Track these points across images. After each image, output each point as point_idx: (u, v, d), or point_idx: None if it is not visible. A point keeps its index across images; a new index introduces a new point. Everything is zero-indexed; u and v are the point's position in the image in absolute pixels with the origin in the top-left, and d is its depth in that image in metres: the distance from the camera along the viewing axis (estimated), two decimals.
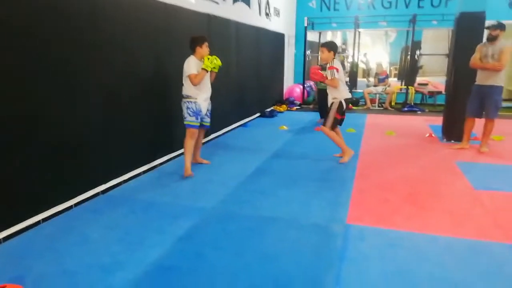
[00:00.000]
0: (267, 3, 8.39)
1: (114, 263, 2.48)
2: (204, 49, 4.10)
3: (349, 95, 4.63)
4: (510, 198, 3.56)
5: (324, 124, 4.59)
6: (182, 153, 4.96)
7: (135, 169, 4.12)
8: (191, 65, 4.03)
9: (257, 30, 7.65)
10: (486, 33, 5.10)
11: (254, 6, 7.61)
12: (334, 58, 4.48)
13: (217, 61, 4.16)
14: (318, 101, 7.95)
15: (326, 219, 3.12)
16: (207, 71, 4.07)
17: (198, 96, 4.14)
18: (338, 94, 4.49)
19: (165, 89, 4.55)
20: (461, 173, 4.26)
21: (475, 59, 5.03)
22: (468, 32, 5.50)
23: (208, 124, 4.40)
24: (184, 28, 4.83)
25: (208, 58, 4.06)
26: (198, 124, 4.22)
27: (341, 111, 4.54)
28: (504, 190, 3.74)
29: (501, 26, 4.88)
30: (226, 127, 6.49)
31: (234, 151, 5.35)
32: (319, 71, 4.59)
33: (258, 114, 8.12)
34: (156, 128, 4.47)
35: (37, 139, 2.91)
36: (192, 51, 4.10)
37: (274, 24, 8.90)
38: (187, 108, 4.14)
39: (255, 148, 5.42)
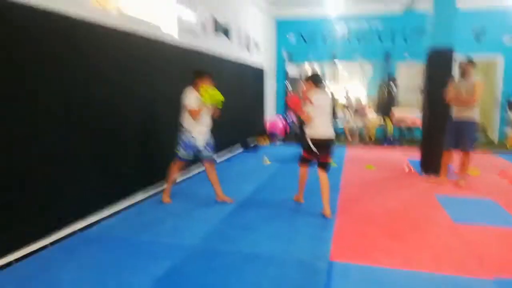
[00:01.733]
0: (247, 37, 8.61)
1: None
2: (205, 81, 4.15)
3: (321, 135, 3.93)
4: (489, 231, 3.62)
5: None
6: (163, 190, 4.90)
7: (114, 205, 4.02)
8: (192, 98, 4.08)
9: (238, 63, 7.79)
10: (457, 68, 5.34)
11: (235, 40, 7.79)
12: (318, 89, 3.99)
13: (217, 96, 4.11)
14: (300, 133, 8.06)
15: (309, 255, 3.09)
16: (207, 106, 4.10)
17: (193, 129, 4.18)
18: (308, 130, 4.01)
19: (145, 123, 4.54)
20: (440, 206, 4.33)
21: (450, 94, 5.22)
22: (438, 67, 5.74)
23: (211, 157, 4.36)
24: (164, 61, 4.89)
25: (207, 91, 4.05)
26: (188, 158, 4.27)
27: (309, 149, 4.01)
28: (483, 223, 3.80)
29: (472, 63, 5.13)
30: None
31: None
32: (298, 98, 4.17)
33: (241, 149, 8.13)
34: (136, 163, 4.41)
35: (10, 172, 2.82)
36: (193, 84, 4.15)
37: (254, 57, 9.10)
38: (181, 139, 4.23)
39: (239, 182, 5.39)
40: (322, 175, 4.01)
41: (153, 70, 4.66)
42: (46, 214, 3.18)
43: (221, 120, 6.77)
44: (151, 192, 4.68)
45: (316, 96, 3.93)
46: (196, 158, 4.39)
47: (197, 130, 4.20)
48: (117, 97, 4.04)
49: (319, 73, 4.32)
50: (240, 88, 8.00)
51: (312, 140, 3.95)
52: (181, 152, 4.22)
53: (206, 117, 4.25)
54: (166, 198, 4.40)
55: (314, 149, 3.93)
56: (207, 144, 4.31)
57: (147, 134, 4.55)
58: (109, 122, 3.90)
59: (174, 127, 5.18)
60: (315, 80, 4.04)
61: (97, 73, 3.68)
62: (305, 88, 4.06)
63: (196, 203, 4.43)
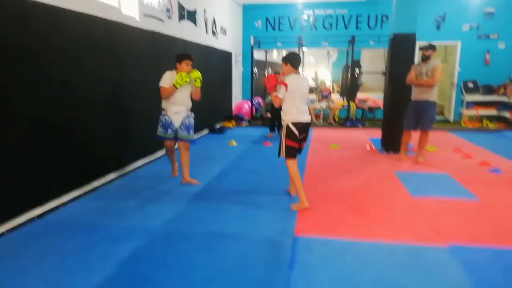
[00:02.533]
0: (214, 21, 8.48)
1: None
2: (184, 66, 4.17)
3: (300, 118, 3.67)
4: (444, 203, 3.82)
5: (279, 154, 3.81)
6: (127, 172, 4.81)
7: (75, 190, 3.90)
8: (164, 78, 4.22)
9: (204, 48, 7.68)
10: (419, 53, 5.52)
11: (201, 25, 7.65)
12: (295, 73, 3.71)
13: (192, 74, 4.18)
14: (271, 115, 8.10)
15: (275, 232, 3.15)
16: (176, 87, 4.12)
17: (168, 109, 4.28)
18: (285, 115, 3.72)
19: (107, 107, 4.40)
20: (400, 182, 4.51)
21: (411, 76, 5.41)
22: (401, 52, 5.92)
23: (186, 137, 4.37)
24: (127, 45, 4.74)
25: (180, 75, 4.11)
26: (168, 136, 4.37)
27: (292, 137, 3.69)
28: (438, 197, 4.01)
29: (433, 47, 5.32)
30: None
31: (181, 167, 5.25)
32: (277, 79, 3.82)
33: (207, 131, 8.08)
34: (99, 147, 4.28)
35: None
36: (175, 67, 4.23)
37: (221, 42, 9.00)
38: (159, 120, 4.36)
39: (205, 164, 5.37)
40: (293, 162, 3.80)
41: (116, 54, 4.49)
42: (1, 201, 3.03)
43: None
44: (113, 176, 4.57)
45: (291, 79, 3.64)
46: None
47: (172, 110, 4.26)
48: (82, 81, 3.87)
49: (296, 53, 4.04)
50: (207, 71, 7.88)
51: (295, 124, 3.65)
52: (159, 130, 4.37)
53: (181, 98, 4.27)
54: (173, 172, 4.77)
55: (296, 132, 3.64)
56: (183, 124, 4.33)
57: (109, 118, 4.41)
58: (69, 107, 3.74)
59: (139, 111, 5.09)
60: (293, 62, 3.71)
61: (56, 56, 3.51)
62: (283, 71, 3.77)
63: (161, 186, 4.38)
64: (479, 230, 3.20)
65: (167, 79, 4.20)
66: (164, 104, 4.31)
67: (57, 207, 3.62)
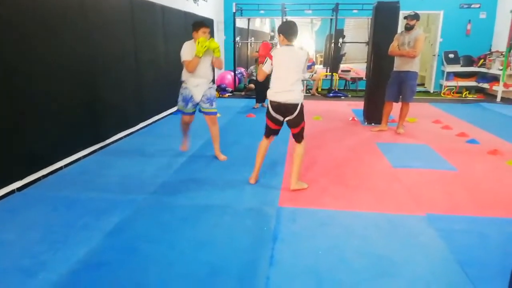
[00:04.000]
0: None
1: (35, 264, 2.29)
2: (200, 34, 3.92)
3: (277, 98, 3.26)
4: (423, 174, 3.92)
5: None
6: (107, 144, 4.72)
7: (55, 162, 3.81)
8: (185, 50, 3.96)
9: (184, 15, 7.43)
10: (403, 22, 5.48)
11: None
12: (287, 45, 3.30)
13: (209, 43, 3.89)
14: (255, 86, 8.01)
15: (260, 203, 3.18)
16: (199, 57, 3.88)
17: (188, 81, 4.06)
18: (268, 91, 3.36)
19: (87, 76, 4.25)
20: (381, 153, 4.59)
21: (393, 47, 5.39)
22: (384, 20, 5.86)
23: (210, 110, 4.16)
24: (104, 12, 4.53)
25: (199, 43, 3.86)
26: (188, 111, 4.18)
27: (269, 115, 3.38)
28: (418, 167, 4.11)
29: (417, 17, 5.28)
30: (156, 115, 6.27)
31: (165, 139, 5.19)
32: (269, 49, 3.49)
33: None
34: (79, 117, 4.16)
35: None
36: (192, 37, 3.99)
37: (202, 9, 8.71)
38: (180, 93, 4.15)
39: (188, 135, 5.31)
40: (296, 148, 3.46)
41: (91, 25, 4.28)
42: None
43: (167, 74, 6.60)
44: (94, 147, 4.48)
45: (278, 52, 3.30)
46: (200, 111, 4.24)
47: (193, 83, 4.04)
48: (48, 51, 3.66)
49: (292, 22, 3.42)
50: (187, 40, 7.66)
51: (270, 103, 3.33)
52: (179, 104, 4.19)
53: (203, 69, 4.03)
54: (183, 147, 4.57)
55: (274, 114, 3.32)
56: (205, 97, 4.10)
57: (87, 91, 4.27)
58: (49, 75, 3.59)
59: (119, 84, 4.94)
60: (285, 32, 3.28)
61: (29, 23, 3.32)
62: (279, 41, 3.39)
63: (144, 158, 4.34)
64: (456, 199, 3.31)
65: (188, 51, 3.93)
66: (184, 76, 4.07)
67: (37, 179, 3.54)
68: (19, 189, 3.33)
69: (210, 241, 2.59)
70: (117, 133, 4.99)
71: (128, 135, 5.26)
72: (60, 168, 3.87)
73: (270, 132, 3.50)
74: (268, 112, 3.39)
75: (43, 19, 3.54)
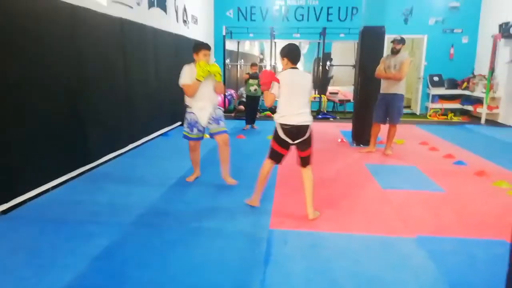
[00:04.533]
0: (184, 10, 8.31)
1: None
2: (201, 57, 3.81)
3: (289, 120, 3.18)
4: (412, 195, 3.96)
5: None
6: (95, 166, 4.67)
7: (43, 184, 3.75)
8: (185, 73, 3.85)
9: (175, 37, 7.52)
10: (389, 46, 5.64)
11: (171, 13, 7.48)
12: (292, 68, 3.27)
13: (210, 67, 3.76)
14: (246, 108, 8.06)
15: (251, 226, 3.16)
16: (200, 81, 3.77)
17: (193, 105, 3.93)
18: (276, 115, 3.28)
19: (75, 98, 4.23)
20: (370, 175, 4.64)
21: (379, 70, 5.53)
22: (370, 44, 6.03)
23: (219, 129, 3.96)
24: (94, 33, 4.56)
25: (200, 66, 3.75)
26: (193, 136, 4.03)
27: (277, 139, 3.29)
28: (407, 189, 4.15)
29: (403, 41, 5.45)
30: (145, 136, 6.24)
31: (155, 160, 5.17)
32: (272, 75, 3.29)
33: (179, 123, 7.95)
34: (68, 137, 4.11)
35: None
36: (194, 59, 3.89)
37: (192, 32, 8.83)
38: (185, 118, 4.05)
39: (177, 157, 5.29)
40: (305, 173, 3.37)
41: (81, 43, 4.30)
42: None
43: (157, 95, 6.62)
44: (83, 169, 4.42)
45: (285, 75, 3.24)
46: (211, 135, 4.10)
47: (197, 106, 3.91)
48: (35, 69, 3.64)
49: (294, 45, 3.46)
50: (177, 62, 7.74)
51: (282, 126, 3.23)
52: (184, 129, 4.05)
53: (206, 93, 3.90)
54: (190, 178, 4.30)
55: (284, 137, 3.24)
56: (213, 118, 3.96)
57: (79, 108, 4.25)
58: (30, 95, 3.57)
59: (109, 104, 4.93)
60: (289, 55, 3.26)
61: (16, 39, 3.33)
62: (282, 65, 3.33)
63: (134, 180, 4.30)
64: (445, 221, 3.35)
65: (188, 74, 3.81)
66: (187, 100, 3.95)
67: (23, 202, 3.47)
68: (4, 212, 3.26)
69: (201, 264, 2.55)
70: (106, 155, 4.94)
71: (117, 156, 5.22)
72: (47, 190, 3.80)
73: (275, 156, 3.38)
74: (276, 136, 3.29)
75: (34, 37, 3.55)
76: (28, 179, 3.56)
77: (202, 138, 4.13)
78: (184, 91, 3.91)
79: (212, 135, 4.02)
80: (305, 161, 3.36)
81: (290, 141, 3.26)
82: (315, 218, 3.31)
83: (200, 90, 3.85)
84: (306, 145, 3.29)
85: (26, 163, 3.50)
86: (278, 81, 3.20)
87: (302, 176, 3.39)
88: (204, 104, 3.92)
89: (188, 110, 4.01)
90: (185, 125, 4.06)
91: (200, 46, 3.87)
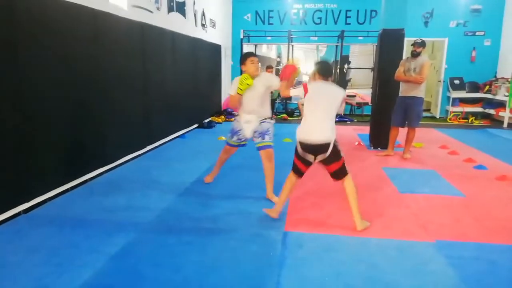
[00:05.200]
0: (203, 14, 8.40)
1: (38, 287, 2.27)
2: (249, 65, 3.67)
3: (306, 137, 3.06)
4: (431, 199, 3.88)
5: None
6: (113, 167, 4.75)
7: (63, 184, 3.84)
8: (233, 84, 3.77)
9: (193, 41, 7.61)
10: (409, 48, 5.57)
11: (190, 17, 7.58)
12: (323, 80, 3.16)
13: (250, 81, 3.61)
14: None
15: (266, 228, 3.15)
16: (239, 94, 3.67)
17: (241, 117, 3.83)
18: (297, 129, 3.16)
19: (95, 100, 4.32)
20: (387, 178, 4.57)
21: (399, 72, 5.45)
22: (389, 47, 5.95)
23: (263, 144, 3.71)
24: (115, 37, 4.66)
25: (241, 78, 3.64)
26: (231, 143, 3.98)
27: (297, 155, 3.18)
28: (425, 193, 4.07)
29: (423, 44, 5.36)
30: (162, 138, 6.33)
31: (172, 162, 5.22)
32: (295, 69, 3.33)
33: (196, 125, 8.03)
34: (87, 138, 4.20)
35: None
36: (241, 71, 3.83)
37: (210, 35, 8.92)
38: (232, 123, 4.02)
39: (194, 159, 5.34)
40: (344, 185, 3.22)
41: (103, 45, 4.39)
42: None
43: (176, 97, 6.70)
44: (102, 170, 4.51)
45: (314, 85, 3.12)
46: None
47: (244, 118, 3.80)
48: (61, 73, 3.75)
49: (327, 61, 3.51)
50: (196, 64, 7.83)
51: (300, 143, 3.12)
52: (228, 135, 4.02)
53: (252, 105, 3.73)
54: (207, 178, 4.29)
55: (303, 154, 3.13)
56: (257, 132, 3.75)
57: (99, 112, 4.34)
58: (55, 98, 3.67)
59: (126, 104, 5.02)
60: (321, 69, 3.17)
61: (39, 47, 3.43)
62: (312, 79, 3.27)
63: (151, 181, 4.35)
64: (465, 226, 3.26)
65: (234, 86, 3.71)
66: (239, 110, 3.85)
67: (44, 202, 3.56)
68: (25, 211, 3.34)
69: (215, 266, 2.56)
70: (124, 156, 5.03)
71: (134, 158, 5.29)
72: (67, 190, 3.89)
73: (297, 171, 3.26)
74: (296, 152, 3.18)
75: (56, 39, 3.64)
76: (48, 180, 3.64)
77: (240, 146, 4.02)
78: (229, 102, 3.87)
79: (257, 148, 3.83)
80: (335, 176, 3.20)
81: (310, 158, 3.12)
82: (365, 228, 3.14)
83: (247, 103, 3.73)
84: (330, 161, 3.10)
85: (46, 164, 3.58)
86: (306, 88, 3.09)
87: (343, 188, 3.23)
88: (250, 117, 3.78)
89: (237, 118, 3.94)
90: (230, 129, 4.00)
91: (245, 56, 3.78)
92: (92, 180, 4.29)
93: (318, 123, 3.06)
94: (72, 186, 3.97)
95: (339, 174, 3.18)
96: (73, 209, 3.50)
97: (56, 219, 3.25)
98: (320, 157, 3.08)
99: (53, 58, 3.62)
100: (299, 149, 3.12)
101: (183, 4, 7.16)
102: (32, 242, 2.84)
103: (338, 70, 10.01)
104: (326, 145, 3.03)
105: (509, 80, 8.76)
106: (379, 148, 6.12)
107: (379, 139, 6.15)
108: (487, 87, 9.59)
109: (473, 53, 9.90)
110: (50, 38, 3.56)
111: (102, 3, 4.42)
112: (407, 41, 7.12)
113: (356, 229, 3.13)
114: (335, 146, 3.07)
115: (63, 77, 3.75)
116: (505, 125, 8.69)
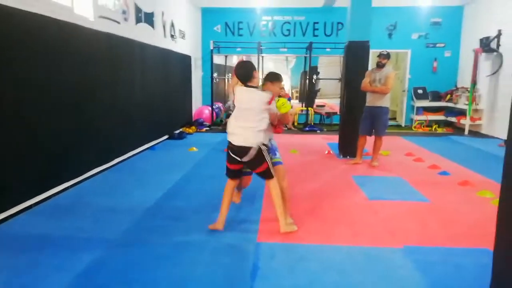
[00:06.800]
0: (172, 25, 8.37)
1: None
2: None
3: (232, 139, 3.15)
4: (399, 205, 4.00)
5: None
6: (80, 181, 4.60)
7: (25, 201, 3.67)
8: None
9: (162, 51, 7.56)
10: (375, 60, 5.75)
11: (158, 28, 7.52)
12: (244, 85, 3.19)
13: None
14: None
15: (238, 239, 3.13)
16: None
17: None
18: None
19: (61, 112, 4.19)
20: (357, 186, 4.67)
21: (365, 83, 5.62)
22: (355, 58, 6.14)
23: (274, 161, 3.38)
24: (81, 48, 4.56)
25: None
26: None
27: (227, 154, 3.24)
28: (392, 199, 4.19)
29: (388, 56, 5.57)
30: (132, 150, 6.20)
31: (141, 174, 5.12)
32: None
33: (166, 136, 7.93)
34: (51, 153, 4.06)
35: None
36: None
37: (180, 46, 8.89)
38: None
39: (165, 171, 5.26)
40: (268, 186, 3.30)
41: (67, 56, 4.28)
42: None
43: (145, 108, 6.60)
44: (69, 183, 4.36)
45: (237, 90, 3.20)
46: None
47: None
48: (21, 84, 3.62)
49: (243, 63, 3.46)
50: (165, 75, 7.77)
51: (228, 143, 3.21)
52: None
53: None
54: (236, 199, 3.79)
55: (232, 154, 3.19)
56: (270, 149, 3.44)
57: (59, 126, 4.20)
58: (15, 110, 3.53)
59: (93, 115, 4.89)
60: (238, 73, 3.22)
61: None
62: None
63: (119, 194, 4.25)
64: (431, 231, 3.38)
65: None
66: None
67: (6, 218, 3.39)
68: None
69: (188, 279, 2.52)
70: (92, 169, 4.88)
71: (103, 170, 5.16)
72: (30, 206, 3.73)
73: (228, 172, 3.31)
74: (227, 152, 3.25)
75: (22, 50, 3.53)
76: (12, 195, 3.49)
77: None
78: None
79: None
80: (262, 176, 3.27)
81: (237, 158, 3.17)
82: (288, 231, 3.22)
83: None
84: (255, 164, 3.18)
85: (9, 178, 3.43)
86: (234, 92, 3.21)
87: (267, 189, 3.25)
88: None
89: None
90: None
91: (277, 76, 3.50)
92: (57, 195, 4.13)
93: (239, 127, 3.14)
94: (36, 202, 3.81)
95: (265, 175, 3.24)
96: (37, 225, 3.35)
97: (19, 237, 3.10)
98: (245, 158, 3.14)
99: (17, 71, 3.49)
100: (229, 150, 3.20)
101: (152, 15, 7.11)
102: None
103: (307, 81, 10.19)
104: (247, 149, 3.10)
105: (468, 89, 9.20)
106: (348, 157, 6.25)
107: (348, 148, 6.29)
108: (448, 96, 10.04)
109: (435, 64, 10.37)
110: (14, 50, 3.44)
111: (68, 14, 4.32)
112: (373, 53, 7.37)
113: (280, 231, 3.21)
114: (260, 151, 3.13)
115: (27, 90, 3.62)
116: (466, 132, 9.10)
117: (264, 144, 3.19)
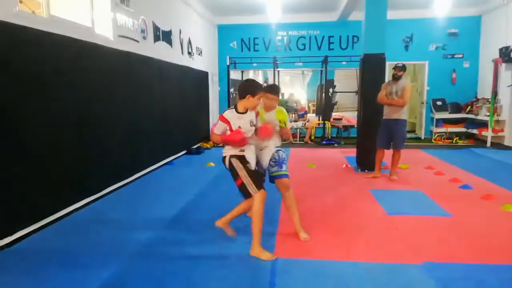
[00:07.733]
0: (189, 42, 8.54)
1: None
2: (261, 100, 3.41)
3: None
4: (418, 220, 3.90)
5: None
6: (98, 198, 4.66)
7: (45, 218, 3.74)
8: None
9: (180, 68, 7.70)
10: (391, 72, 5.72)
11: (176, 45, 7.69)
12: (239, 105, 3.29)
13: (261, 116, 3.51)
14: None
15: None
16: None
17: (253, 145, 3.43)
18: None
19: (82, 129, 4.30)
20: (375, 200, 4.58)
21: (381, 95, 5.57)
22: (371, 71, 6.12)
23: (280, 173, 3.45)
24: (101, 67, 4.69)
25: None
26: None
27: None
28: (412, 214, 4.09)
29: (404, 68, 5.52)
30: (150, 165, 6.28)
31: (160, 189, 5.17)
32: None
33: (184, 151, 8.01)
34: (70, 170, 4.15)
35: None
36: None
37: (197, 63, 9.05)
38: None
39: (183, 186, 5.30)
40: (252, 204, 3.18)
41: (88, 75, 4.41)
42: None
43: (164, 124, 6.71)
44: (86, 201, 4.43)
45: (227, 114, 3.33)
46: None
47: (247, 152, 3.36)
48: (44, 104, 3.73)
49: (257, 79, 3.39)
50: (183, 92, 7.90)
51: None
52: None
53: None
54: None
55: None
56: (272, 160, 3.48)
57: (81, 142, 4.30)
58: (38, 130, 3.64)
59: (112, 134, 5.00)
60: (239, 91, 3.31)
61: (20, 77, 3.43)
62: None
63: (136, 210, 4.29)
64: (452, 247, 3.27)
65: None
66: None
67: (25, 236, 3.47)
68: (3, 247, 3.23)
69: None
70: (110, 186, 4.96)
71: (121, 186, 5.23)
72: (49, 223, 3.80)
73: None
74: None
75: (34, 71, 3.66)
76: (29, 213, 3.55)
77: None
78: None
79: (273, 181, 3.55)
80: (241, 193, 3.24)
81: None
82: (255, 256, 3.05)
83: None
84: (233, 177, 3.25)
85: (25, 197, 3.50)
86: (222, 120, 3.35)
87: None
88: (267, 145, 3.54)
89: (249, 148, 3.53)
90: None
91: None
92: (76, 211, 4.20)
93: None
94: (54, 220, 3.87)
95: (241, 191, 3.21)
96: (56, 242, 3.42)
97: (38, 253, 3.16)
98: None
99: (38, 90, 3.61)
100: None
101: (169, 33, 7.28)
102: (13, 277, 2.75)
103: (323, 94, 10.18)
104: (224, 159, 3.33)
105: (489, 100, 9.00)
106: (366, 170, 6.17)
107: (366, 161, 6.21)
108: (469, 107, 9.84)
109: (454, 75, 10.21)
110: (35, 69, 3.57)
111: (89, 34, 4.48)
112: (389, 65, 7.32)
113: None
114: (231, 164, 3.25)
115: (47, 108, 3.74)
116: (488, 144, 8.87)
117: (240, 158, 3.22)
